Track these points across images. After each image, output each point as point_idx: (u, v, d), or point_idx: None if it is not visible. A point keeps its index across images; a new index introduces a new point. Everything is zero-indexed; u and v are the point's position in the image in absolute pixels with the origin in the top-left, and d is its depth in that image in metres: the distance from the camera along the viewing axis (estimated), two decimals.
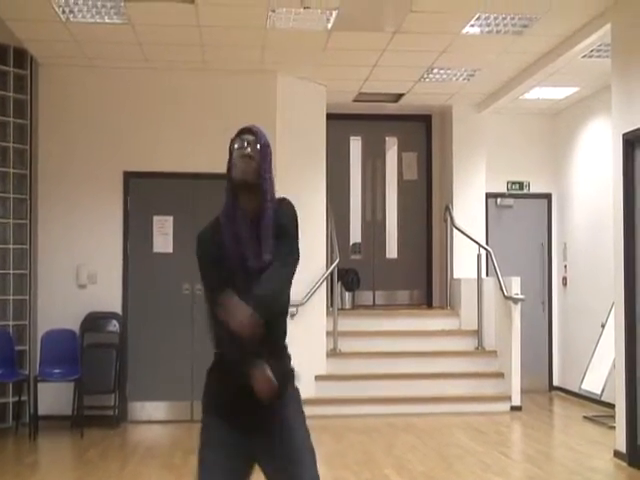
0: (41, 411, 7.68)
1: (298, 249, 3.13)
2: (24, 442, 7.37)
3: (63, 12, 6.69)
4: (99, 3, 6.52)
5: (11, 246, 7.92)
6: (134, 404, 8.22)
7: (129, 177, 8.33)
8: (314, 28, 7.08)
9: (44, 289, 8.14)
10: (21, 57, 7.99)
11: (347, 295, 9.81)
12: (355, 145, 10.60)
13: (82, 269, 8.23)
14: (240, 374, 2.79)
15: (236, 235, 2.94)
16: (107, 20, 6.88)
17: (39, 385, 7.57)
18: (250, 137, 2.96)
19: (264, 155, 2.97)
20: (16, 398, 7.72)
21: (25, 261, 8.02)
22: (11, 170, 7.95)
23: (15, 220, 7.96)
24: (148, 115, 8.36)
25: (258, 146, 2.95)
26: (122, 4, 6.48)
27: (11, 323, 7.85)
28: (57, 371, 7.70)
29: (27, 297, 7.99)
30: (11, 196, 7.94)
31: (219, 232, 2.98)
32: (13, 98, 7.97)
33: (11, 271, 7.90)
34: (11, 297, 7.89)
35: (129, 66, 8.17)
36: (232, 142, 2.98)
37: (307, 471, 2.87)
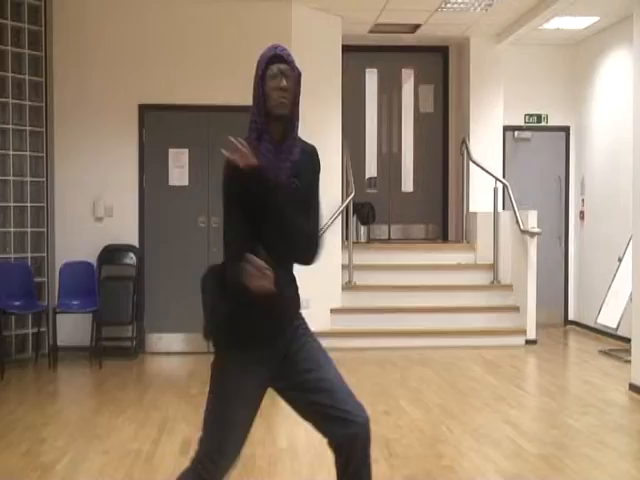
0: (60, 342, 7.78)
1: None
2: (44, 372, 7.49)
3: None
4: None
5: (28, 179, 7.93)
6: (151, 336, 8.31)
7: (144, 110, 8.26)
8: None
9: (61, 222, 8.17)
10: None
11: (362, 229, 9.78)
12: (371, 77, 10.43)
13: (99, 202, 8.24)
14: (252, 300, 2.73)
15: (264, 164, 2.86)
16: None
17: (58, 316, 7.67)
18: (284, 67, 2.85)
19: (297, 86, 2.90)
20: (35, 329, 7.83)
21: (42, 194, 8.04)
22: (27, 102, 7.92)
23: (32, 153, 7.95)
24: (163, 46, 8.24)
25: (293, 77, 2.86)
26: None
27: (30, 255, 7.92)
28: (75, 302, 7.77)
29: (45, 230, 8.04)
30: (27, 128, 7.91)
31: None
32: (28, 29, 7.87)
33: (29, 204, 7.93)
34: (29, 229, 7.93)
35: None
36: (265, 68, 2.86)
37: (331, 370, 2.94)
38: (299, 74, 2.90)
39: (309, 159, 2.98)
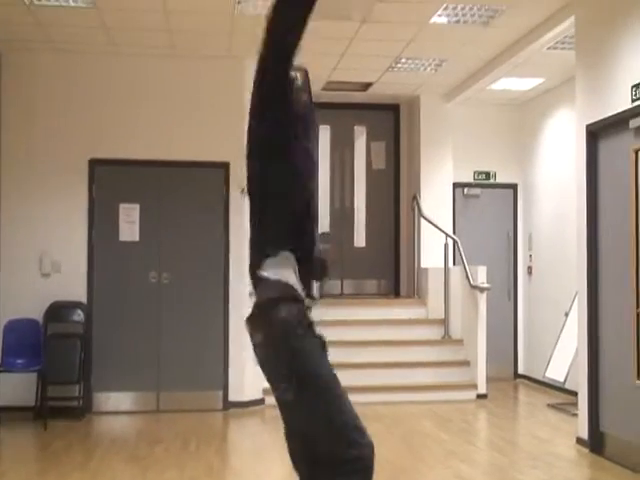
0: (3, 402, 7.59)
1: None
2: None
3: None
4: None
5: None
6: (99, 395, 8.14)
7: (95, 164, 8.23)
8: None
9: (7, 278, 8.02)
10: None
11: (315, 284, 9.78)
12: (324, 134, 10.55)
13: (46, 258, 8.12)
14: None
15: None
16: (72, 3, 6.78)
17: (1, 376, 7.47)
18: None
19: None
20: None
21: None
22: None
23: None
24: (114, 101, 8.26)
25: None
26: None
27: None
28: (20, 361, 7.59)
29: None
30: None
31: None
32: None
33: None
34: None
35: (95, 51, 8.07)
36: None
37: None
38: None
39: None
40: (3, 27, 7.51)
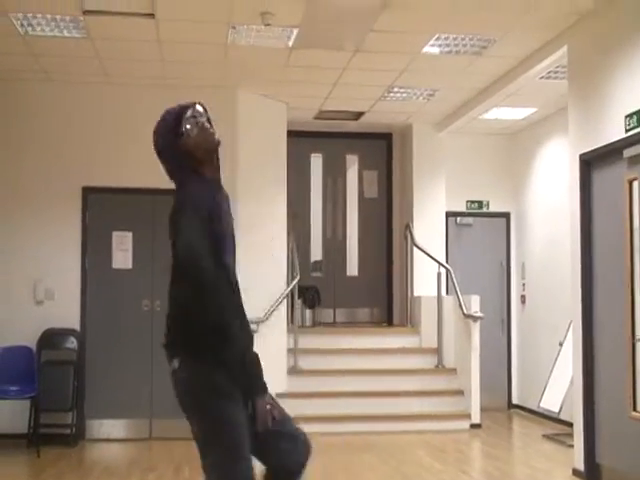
0: None
1: None
2: None
3: (22, 25, 6.62)
4: (58, 16, 6.46)
5: None
6: (92, 422, 8.09)
7: (88, 192, 8.24)
8: (275, 45, 7.11)
9: (0, 306, 8.00)
10: None
11: (308, 312, 9.79)
12: (316, 162, 10.62)
13: (39, 285, 8.10)
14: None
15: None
16: (66, 34, 6.82)
17: None
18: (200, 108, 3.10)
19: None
20: None
21: None
22: None
23: None
24: (107, 130, 8.29)
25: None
26: (81, 17, 6.44)
27: None
28: (13, 388, 7.56)
29: None
30: None
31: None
32: None
33: None
34: None
35: (88, 80, 8.11)
36: (184, 117, 3.06)
37: None
38: None
39: None
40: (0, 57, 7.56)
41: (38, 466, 7.04)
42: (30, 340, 7.86)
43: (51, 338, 7.97)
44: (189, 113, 3.06)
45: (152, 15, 6.39)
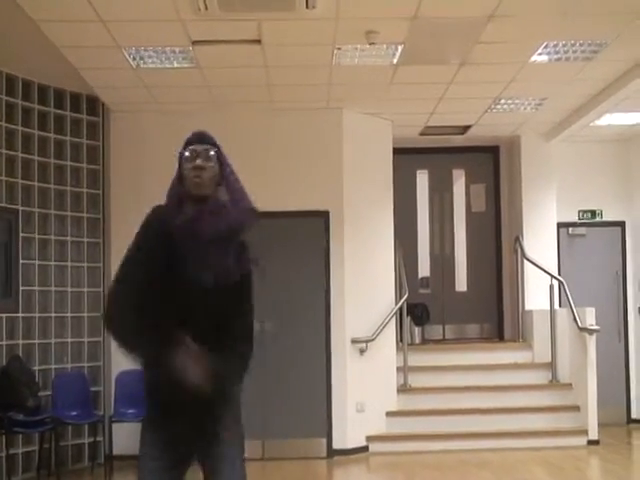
0: (116, 451, 7.73)
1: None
2: None
3: (134, 59, 6.82)
4: (168, 48, 6.63)
5: (85, 289, 8.10)
6: None
7: None
8: (380, 63, 7.08)
9: None
10: (93, 104, 8.22)
11: (416, 330, 9.71)
12: (422, 179, 10.52)
13: None
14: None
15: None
16: (176, 65, 6.99)
17: (114, 425, 7.64)
18: (200, 147, 2.89)
19: (220, 165, 2.92)
20: (91, 439, 7.83)
21: (99, 303, 8.12)
22: (85, 215, 8.16)
23: (89, 264, 8.14)
24: None
25: (210, 156, 2.87)
26: (190, 48, 6.57)
27: (86, 365, 8.00)
28: (131, 411, 7.72)
29: (101, 339, 8.11)
30: (85, 240, 8.13)
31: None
32: (86, 144, 8.19)
33: (86, 314, 8.07)
34: (86, 339, 8.05)
35: (197, 109, 8.22)
36: (182, 153, 2.90)
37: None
38: (219, 153, 2.93)
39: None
40: (113, 90, 7.83)
41: None
42: None
43: None
44: (187, 152, 2.91)
45: (259, 41, 6.47)
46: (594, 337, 8.64)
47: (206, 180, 2.84)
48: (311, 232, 8.41)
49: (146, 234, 2.84)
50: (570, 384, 8.95)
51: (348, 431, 8.24)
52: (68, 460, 7.74)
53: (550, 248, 9.77)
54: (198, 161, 2.83)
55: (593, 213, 10.22)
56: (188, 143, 2.89)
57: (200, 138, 2.90)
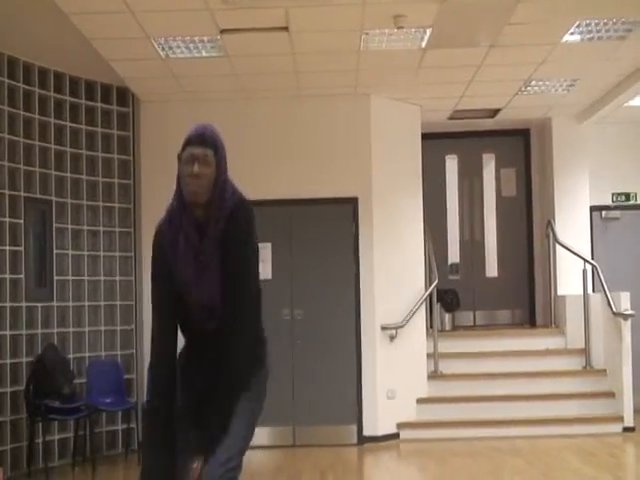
0: None
1: (257, 279, 2.89)
2: (134, 468, 7.47)
3: (163, 49, 6.86)
4: (196, 38, 6.65)
5: (118, 278, 8.18)
6: None
7: None
8: (408, 48, 7.04)
9: (149, 319, 8.28)
10: (123, 95, 8.28)
11: (447, 316, 9.67)
12: (451, 164, 10.46)
13: None
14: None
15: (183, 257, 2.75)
16: (204, 54, 7.01)
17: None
18: (199, 150, 2.73)
19: (218, 168, 2.76)
20: (125, 425, 7.91)
21: (131, 292, 8.25)
22: (116, 205, 8.23)
23: (121, 253, 8.22)
24: (244, 144, 8.42)
25: (208, 161, 2.72)
26: (218, 37, 6.59)
27: (119, 353, 8.10)
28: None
29: (133, 327, 8.21)
30: (117, 229, 8.21)
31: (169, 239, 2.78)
32: (117, 135, 8.26)
33: (118, 302, 8.16)
34: (119, 327, 8.14)
35: (225, 98, 8.26)
36: (181, 152, 2.75)
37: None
38: (221, 155, 2.77)
39: (230, 229, 2.77)
40: (142, 81, 7.88)
41: None
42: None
43: None
44: (185, 155, 2.78)
45: (286, 28, 6.46)
46: (629, 322, 8.52)
47: (203, 187, 2.71)
48: (340, 219, 8.40)
49: (154, 267, 2.83)
50: (604, 370, 8.86)
51: (378, 418, 8.25)
52: (102, 447, 7.85)
53: (583, 232, 9.67)
54: (195, 167, 2.69)
55: (627, 196, 10.07)
56: (187, 143, 2.74)
57: (201, 138, 2.74)
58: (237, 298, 2.74)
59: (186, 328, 2.85)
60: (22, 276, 7.30)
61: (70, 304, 7.77)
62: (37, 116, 7.53)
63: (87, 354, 7.86)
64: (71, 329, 7.76)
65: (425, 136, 9.05)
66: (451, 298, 9.66)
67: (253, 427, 2.90)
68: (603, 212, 10.04)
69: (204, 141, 2.73)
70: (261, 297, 2.91)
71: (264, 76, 7.77)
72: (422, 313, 8.75)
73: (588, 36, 6.92)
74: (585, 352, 9.00)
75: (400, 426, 8.39)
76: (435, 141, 9.78)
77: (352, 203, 8.36)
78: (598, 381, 8.81)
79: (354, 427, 8.26)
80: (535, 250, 10.20)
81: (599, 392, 8.68)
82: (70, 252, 7.81)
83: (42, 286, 7.56)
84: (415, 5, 6.11)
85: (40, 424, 7.09)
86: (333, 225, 8.41)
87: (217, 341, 2.75)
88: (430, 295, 8.81)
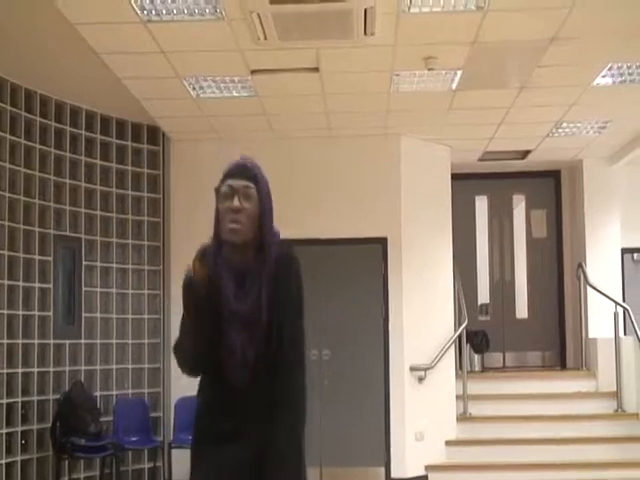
0: (175, 476, 7.73)
1: (302, 326, 2.54)
2: None
3: (193, 89, 6.91)
4: (227, 78, 6.69)
5: (146, 316, 8.19)
6: None
7: None
8: (438, 89, 7.03)
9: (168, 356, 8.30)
10: (154, 134, 8.35)
11: (476, 357, 9.57)
12: (481, 204, 10.41)
13: None
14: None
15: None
16: (235, 94, 7.04)
17: (173, 451, 7.65)
18: (240, 183, 2.45)
19: (261, 204, 2.47)
20: (151, 464, 7.87)
21: (159, 330, 8.25)
22: (146, 242, 8.26)
23: (149, 291, 8.24)
24: (274, 184, 8.37)
25: (251, 195, 2.45)
26: (249, 77, 6.63)
27: (146, 391, 8.07)
28: (191, 437, 7.75)
29: (161, 365, 8.19)
30: (146, 268, 8.23)
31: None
32: (147, 174, 8.32)
33: (146, 340, 8.16)
34: (146, 365, 8.12)
35: (255, 137, 8.26)
36: (219, 186, 2.48)
37: None
38: (266, 191, 2.51)
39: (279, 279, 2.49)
40: (174, 120, 7.94)
41: None
42: None
43: None
44: (223, 188, 2.49)
45: (317, 69, 6.49)
46: None
47: (245, 225, 2.42)
48: (369, 259, 8.36)
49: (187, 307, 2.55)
50: (637, 414, 8.68)
51: (407, 460, 8.13)
52: None
53: (614, 274, 9.56)
54: (235, 202, 2.42)
55: None
56: (227, 176, 2.46)
57: (241, 170, 2.47)
58: (287, 374, 2.53)
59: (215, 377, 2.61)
60: (50, 313, 7.33)
61: (98, 341, 7.78)
62: (68, 154, 7.60)
63: (114, 392, 7.85)
64: (98, 367, 7.76)
65: (455, 176, 9.03)
66: (481, 339, 9.56)
67: None
68: (635, 254, 9.96)
69: (245, 173, 2.47)
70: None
71: (295, 116, 7.81)
72: (451, 354, 8.66)
73: (620, 79, 6.90)
74: (617, 395, 8.83)
75: (428, 468, 8.26)
76: (465, 181, 9.75)
77: (381, 243, 8.33)
78: (631, 425, 8.64)
79: (382, 469, 8.16)
80: (566, 292, 10.09)
81: (632, 437, 8.49)
82: (99, 290, 7.84)
83: (70, 323, 7.58)
84: (446, 47, 6.12)
85: (66, 462, 7.07)
86: (362, 265, 8.38)
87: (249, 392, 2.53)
88: (459, 336, 8.72)
